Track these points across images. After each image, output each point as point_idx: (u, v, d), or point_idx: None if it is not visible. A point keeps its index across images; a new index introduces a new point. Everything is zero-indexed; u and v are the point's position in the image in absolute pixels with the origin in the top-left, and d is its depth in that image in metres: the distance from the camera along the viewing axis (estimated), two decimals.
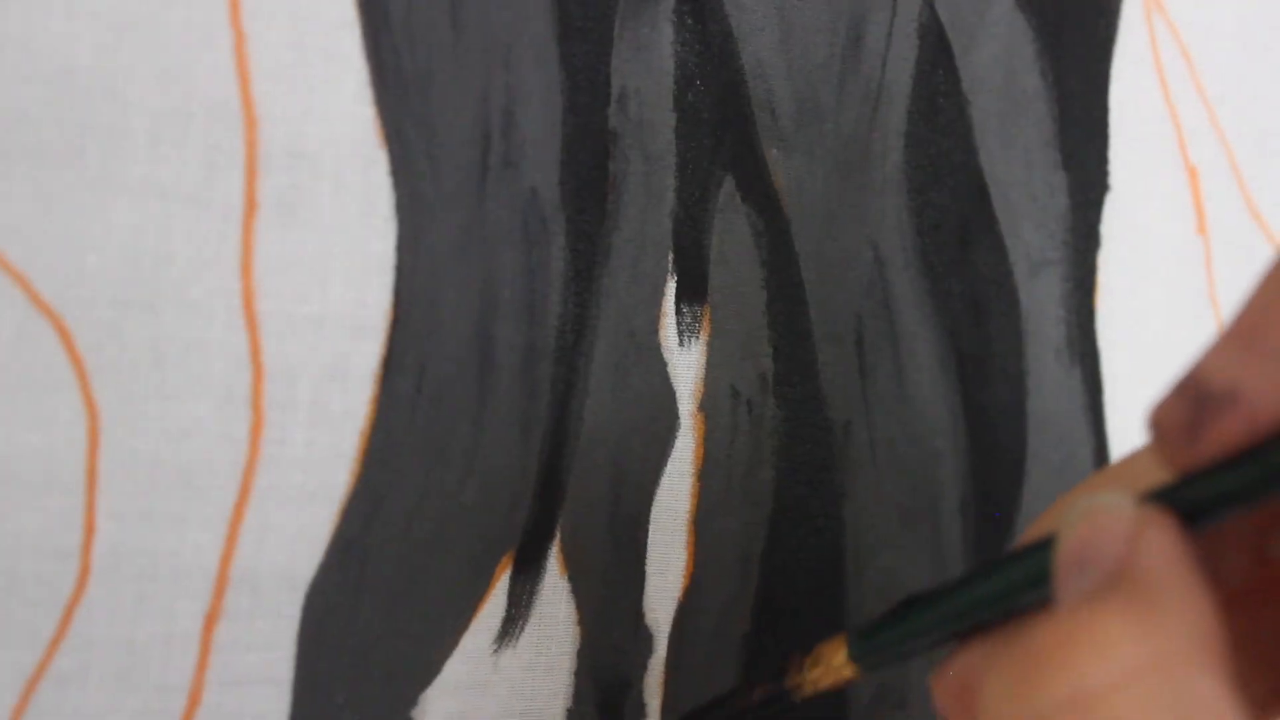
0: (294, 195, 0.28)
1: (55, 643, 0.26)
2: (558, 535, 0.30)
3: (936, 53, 0.35)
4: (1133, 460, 0.22)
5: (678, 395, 0.31)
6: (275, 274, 0.27)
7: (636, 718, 0.31)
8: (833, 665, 0.23)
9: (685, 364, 0.32)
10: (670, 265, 0.32)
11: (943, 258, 0.35)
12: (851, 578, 0.34)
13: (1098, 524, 0.18)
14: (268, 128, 0.27)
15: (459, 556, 0.29)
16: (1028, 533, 0.21)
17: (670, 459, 0.31)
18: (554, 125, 0.30)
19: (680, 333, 0.32)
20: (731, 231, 0.32)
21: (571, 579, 0.30)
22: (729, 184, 0.32)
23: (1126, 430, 0.37)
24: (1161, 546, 0.18)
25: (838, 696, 0.33)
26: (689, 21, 0.32)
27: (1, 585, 0.25)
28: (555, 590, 0.30)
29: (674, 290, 0.32)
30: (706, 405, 0.32)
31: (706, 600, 0.32)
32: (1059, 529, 0.19)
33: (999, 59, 0.36)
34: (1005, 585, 0.20)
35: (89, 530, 0.26)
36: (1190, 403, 0.18)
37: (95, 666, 0.26)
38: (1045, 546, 0.19)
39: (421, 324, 0.29)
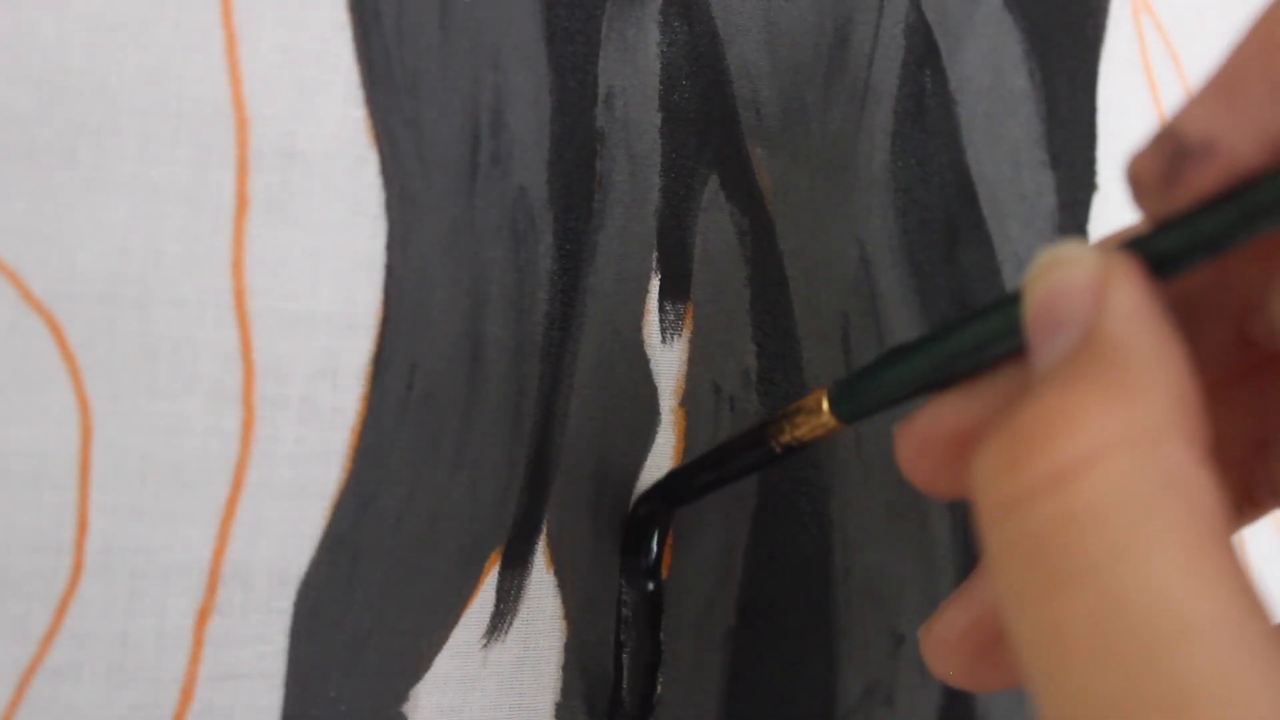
0: (285, 194, 0.28)
1: (49, 637, 0.26)
2: (544, 530, 0.30)
3: (923, 53, 0.35)
4: (1123, 233, 0.21)
5: (659, 391, 0.32)
6: (266, 272, 0.28)
7: (623, 711, 0.31)
8: (816, 417, 0.24)
9: (668, 361, 0.32)
10: (654, 263, 0.32)
11: (930, 256, 0.35)
12: (838, 574, 0.34)
13: (1062, 278, 0.18)
14: (258, 127, 0.28)
15: (449, 552, 0.29)
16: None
17: (651, 454, 0.31)
18: (542, 125, 0.30)
19: (663, 330, 0.32)
20: (716, 230, 0.33)
21: (557, 574, 0.30)
22: (713, 183, 0.33)
23: None
24: (1129, 303, 0.17)
25: (825, 693, 0.33)
26: (675, 23, 0.32)
27: None
28: (541, 585, 0.30)
29: (657, 288, 0.32)
30: (688, 401, 0.32)
31: (687, 594, 0.32)
32: (1027, 281, 0.19)
33: (986, 59, 0.36)
34: (979, 335, 0.20)
35: (82, 525, 0.26)
36: (1167, 154, 0.18)
37: (89, 661, 0.26)
38: (1016, 299, 0.19)
39: (411, 321, 0.29)
